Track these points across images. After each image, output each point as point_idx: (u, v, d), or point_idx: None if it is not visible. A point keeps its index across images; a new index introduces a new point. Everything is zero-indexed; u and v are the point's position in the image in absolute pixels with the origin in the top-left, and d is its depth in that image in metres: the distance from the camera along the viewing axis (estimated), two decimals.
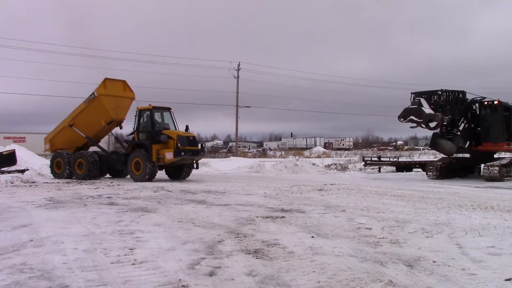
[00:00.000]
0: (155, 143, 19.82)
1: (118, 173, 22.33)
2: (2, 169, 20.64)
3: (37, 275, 5.18)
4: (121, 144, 21.71)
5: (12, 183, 18.52)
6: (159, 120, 21.00)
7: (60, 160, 21.73)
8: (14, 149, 22.51)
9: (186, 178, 21.28)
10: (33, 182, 19.19)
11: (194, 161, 21.08)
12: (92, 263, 5.66)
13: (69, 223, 8.74)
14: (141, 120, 20.63)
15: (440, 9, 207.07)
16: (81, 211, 10.34)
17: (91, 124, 21.52)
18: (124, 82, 21.91)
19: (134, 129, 20.83)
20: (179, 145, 19.54)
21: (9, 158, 21.16)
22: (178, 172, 21.24)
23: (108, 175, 22.69)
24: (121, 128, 22.59)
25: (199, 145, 21.00)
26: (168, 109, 21.49)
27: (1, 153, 21.44)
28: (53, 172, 21.83)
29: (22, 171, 21.04)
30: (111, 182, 19.00)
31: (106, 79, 21.24)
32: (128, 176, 21.16)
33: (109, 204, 11.75)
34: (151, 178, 19.71)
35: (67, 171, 21.42)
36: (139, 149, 20.13)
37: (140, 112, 20.72)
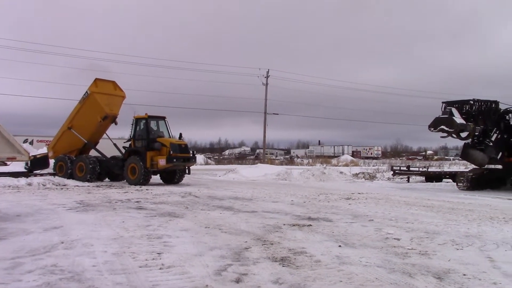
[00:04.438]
0: (149, 150, 20.91)
1: (115, 177, 22.91)
2: (35, 171, 21.21)
3: (68, 276, 5.29)
4: (118, 150, 22.55)
5: (44, 186, 18.96)
6: (154, 128, 22.05)
7: (62, 164, 22.49)
8: (47, 153, 23.10)
9: (179, 182, 22.29)
10: (64, 185, 19.60)
11: (186, 167, 22.21)
12: (120, 267, 5.75)
13: (99, 226, 8.91)
14: (138, 128, 21.75)
15: (467, 19, 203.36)
16: (110, 215, 10.53)
17: (88, 122, 22.40)
18: (114, 82, 23.11)
19: (130, 136, 21.95)
20: (171, 152, 20.69)
21: (42, 161, 21.75)
22: (171, 177, 22.32)
23: (107, 179, 23.20)
24: (116, 124, 23.30)
25: (191, 153, 22.23)
26: (163, 118, 22.65)
27: (35, 156, 21.99)
28: (55, 174, 22.37)
29: (54, 174, 21.60)
30: (140, 187, 19.27)
31: (96, 79, 22.33)
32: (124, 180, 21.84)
33: (138, 208, 11.92)
34: (145, 182, 20.62)
35: (69, 173, 22.13)
36: (134, 155, 21.15)
37: (137, 120, 21.82)
